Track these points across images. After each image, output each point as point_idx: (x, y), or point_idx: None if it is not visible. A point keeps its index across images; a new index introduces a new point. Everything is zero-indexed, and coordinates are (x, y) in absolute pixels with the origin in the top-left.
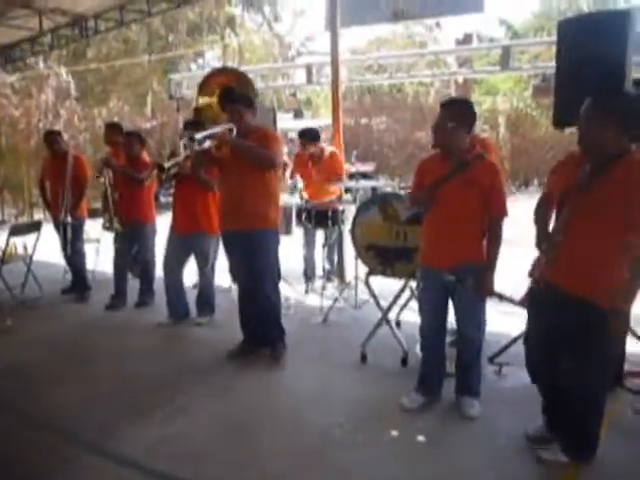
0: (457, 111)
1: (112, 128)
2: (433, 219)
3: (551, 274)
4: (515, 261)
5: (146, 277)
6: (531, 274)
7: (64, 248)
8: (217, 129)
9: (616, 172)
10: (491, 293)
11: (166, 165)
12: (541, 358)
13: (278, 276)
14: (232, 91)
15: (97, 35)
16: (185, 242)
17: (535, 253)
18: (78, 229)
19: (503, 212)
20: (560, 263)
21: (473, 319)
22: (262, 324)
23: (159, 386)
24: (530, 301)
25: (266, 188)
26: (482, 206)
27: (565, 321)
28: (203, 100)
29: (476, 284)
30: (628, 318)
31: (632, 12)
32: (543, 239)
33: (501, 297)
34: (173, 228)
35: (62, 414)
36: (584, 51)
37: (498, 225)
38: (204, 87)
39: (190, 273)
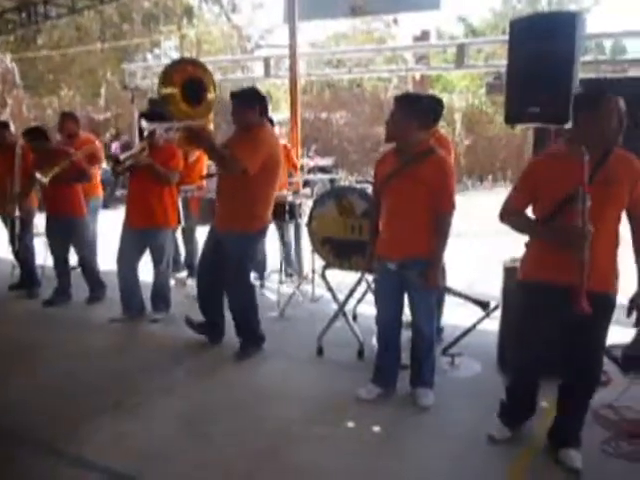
0: (410, 106)
1: (68, 117)
2: (384, 213)
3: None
4: (467, 254)
5: (88, 273)
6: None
7: (12, 243)
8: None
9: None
10: (436, 285)
11: (121, 157)
12: (545, 349)
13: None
14: (198, 82)
15: (47, 21)
16: (140, 236)
17: (491, 246)
18: (27, 223)
19: (451, 207)
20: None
21: (424, 311)
22: (221, 314)
23: (112, 384)
24: (531, 299)
25: (238, 192)
26: (430, 201)
27: (578, 316)
28: (166, 90)
29: (421, 277)
30: None
31: (580, 14)
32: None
33: (449, 290)
34: (126, 222)
35: (9, 414)
36: (534, 50)
37: (445, 220)
38: (167, 77)
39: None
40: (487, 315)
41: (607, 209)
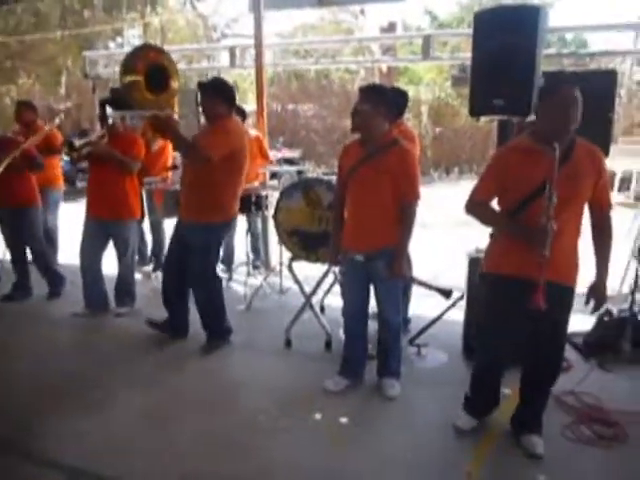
0: (375, 96)
1: (25, 106)
2: (350, 204)
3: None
4: (432, 245)
5: (41, 267)
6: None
7: None
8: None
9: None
10: (402, 275)
11: (77, 143)
12: (508, 339)
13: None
14: (161, 69)
15: (3, 6)
16: (102, 228)
17: (456, 237)
18: None
19: (414, 197)
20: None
21: (390, 302)
22: (185, 309)
23: (74, 380)
24: (494, 291)
25: (203, 183)
26: (395, 191)
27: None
28: (129, 78)
29: (387, 267)
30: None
31: (543, 8)
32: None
33: (414, 280)
34: (88, 213)
35: None
36: (498, 43)
37: (410, 209)
38: (130, 64)
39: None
40: (453, 305)
41: (572, 203)
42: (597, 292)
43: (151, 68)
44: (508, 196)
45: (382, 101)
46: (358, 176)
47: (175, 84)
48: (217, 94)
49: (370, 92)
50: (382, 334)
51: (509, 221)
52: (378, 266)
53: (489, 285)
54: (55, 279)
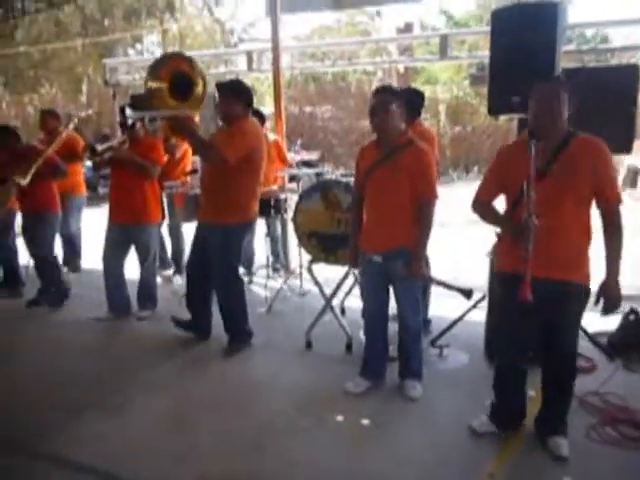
0: (390, 97)
1: (48, 115)
2: (368, 205)
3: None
4: (453, 244)
5: (44, 275)
6: (504, 265)
7: None
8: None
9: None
10: (421, 275)
11: (99, 148)
12: (520, 338)
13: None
14: (186, 77)
15: (26, 16)
16: (124, 233)
17: (477, 236)
18: (8, 223)
19: (432, 195)
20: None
21: (409, 303)
22: (208, 311)
23: (96, 383)
24: (504, 290)
25: (221, 184)
26: (412, 190)
27: (548, 302)
28: (153, 84)
29: (406, 266)
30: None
31: (561, 4)
32: (509, 225)
33: (434, 280)
34: (110, 218)
35: None
36: (516, 40)
37: (427, 208)
38: (155, 71)
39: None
40: (474, 306)
41: (565, 199)
42: (607, 291)
43: (176, 76)
44: (509, 193)
45: (397, 102)
46: (375, 177)
47: (200, 89)
48: (234, 95)
49: (385, 93)
50: (402, 335)
51: (502, 218)
52: (397, 266)
53: (498, 284)
54: (59, 288)
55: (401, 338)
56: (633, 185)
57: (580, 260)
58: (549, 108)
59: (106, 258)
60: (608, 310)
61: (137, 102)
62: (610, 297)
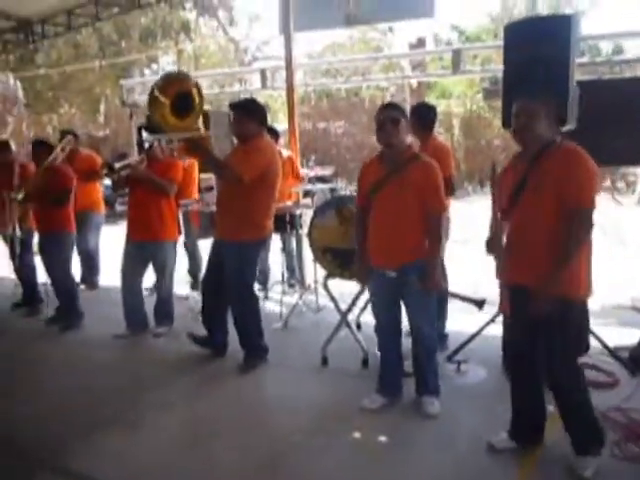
0: (396, 113)
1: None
2: (376, 221)
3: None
4: (471, 260)
5: (60, 295)
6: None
7: (13, 260)
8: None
9: (546, 162)
10: (436, 287)
11: (117, 166)
12: (523, 361)
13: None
14: (187, 96)
15: (45, 40)
16: (141, 250)
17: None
18: (27, 241)
19: (441, 208)
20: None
21: (424, 317)
22: (224, 328)
23: (114, 400)
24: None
25: (236, 202)
26: (421, 204)
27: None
28: (158, 98)
29: (421, 280)
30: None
31: (574, 17)
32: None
33: (451, 293)
34: (128, 236)
35: (11, 430)
36: (529, 54)
37: (437, 221)
38: (160, 87)
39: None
40: (492, 320)
41: (540, 215)
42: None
43: (179, 95)
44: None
45: (403, 118)
46: (383, 193)
47: (197, 102)
48: (247, 114)
49: (392, 108)
50: (417, 351)
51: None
52: (411, 280)
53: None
54: (72, 310)
55: (416, 354)
56: None
57: (567, 274)
58: (517, 122)
59: (124, 275)
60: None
61: (152, 122)
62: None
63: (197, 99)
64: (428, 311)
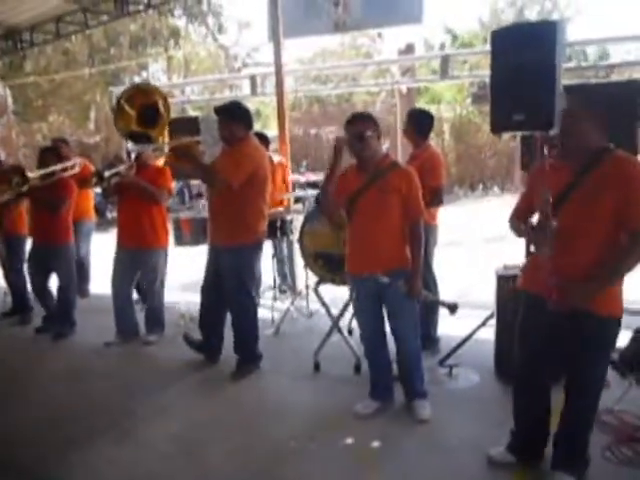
0: (371, 122)
1: (59, 143)
2: (356, 228)
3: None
4: (461, 262)
5: (62, 305)
6: (526, 286)
7: (3, 267)
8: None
9: (601, 170)
10: (419, 295)
11: (106, 174)
12: (538, 374)
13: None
14: (154, 109)
15: (34, 47)
16: (132, 257)
17: (485, 253)
18: (17, 248)
19: (420, 214)
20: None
21: (407, 323)
22: (220, 334)
23: (105, 408)
24: (525, 310)
25: (228, 207)
26: (402, 210)
27: (563, 333)
28: (126, 107)
29: (405, 287)
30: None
31: (560, 22)
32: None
33: (431, 300)
34: (118, 242)
35: (2, 441)
36: (516, 59)
37: (417, 227)
38: (131, 98)
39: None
40: (483, 324)
41: (590, 220)
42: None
43: (146, 106)
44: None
45: (371, 128)
46: (364, 200)
47: (162, 111)
48: (232, 118)
49: (359, 121)
50: (402, 358)
51: (523, 227)
52: (394, 286)
53: (522, 302)
54: (66, 320)
55: (401, 360)
56: None
57: (606, 292)
58: (564, 127)
59: (114, 282)
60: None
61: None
62: None
63: (163, 111)
64: (411, 319)
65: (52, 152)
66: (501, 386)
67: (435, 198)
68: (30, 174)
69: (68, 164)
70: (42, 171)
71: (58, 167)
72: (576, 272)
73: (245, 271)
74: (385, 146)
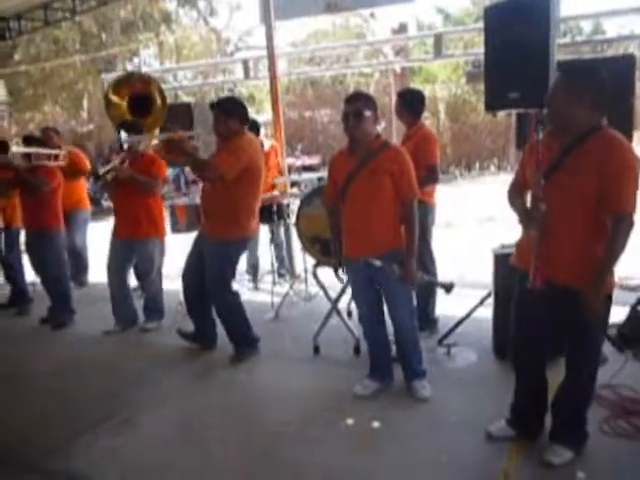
0: (363, 104)
1: (48, 132)
2: (350, 212)
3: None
4: (458, 242)
5: (56, 294)
6: (519, 264)
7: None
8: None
9: (584, 149)
10: (412, 278)
11: (100, 172)
12: (534, 349)
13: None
14: (144, 98)
15: (22, 36)
16: (127, 247)
17: (482, 233)
18: (13, 239)
19: (413, 194)
20: (543, 256)
21: (403, 304)
22: (211, 321)
23: (105, 397)
24: (521, 293)
25: (219, 200)
26: (395, 192)
27: (556, 310)
28: (114, 99)
29: (400, 268)
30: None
31: None
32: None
33: (427, 281)
34: (115, 233)
35: (3, 433)
36: (510, 36)
37: (412, 208)
38: (118, 88)
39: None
40: (481, 303)
41: (571, 199)
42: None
43: (136, 96)
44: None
45: (370, 107)
46: (356, 183)
47: (159, 104)
48: (227, 113)
49: (358, 100)
50: (399, 339)
51: (520, 210)
52: (389, 269)
53: (516, 279)
54: (65, 308)
55: (397, 341)
56: None
57: (592, 268)
58: (551, 100)
59: (110, 271)
60: None
61: (129, 125)
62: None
63: (158, 99)
64: (406, 300)
65: (36, 141)
66: (499, 364)
67: (431, 176)
68: (14, 149)
69: (53, 152)
70: (26, 149)
71: (43, 151)
72: (559, 254)
73: (228, 266)
74: (381, 126)
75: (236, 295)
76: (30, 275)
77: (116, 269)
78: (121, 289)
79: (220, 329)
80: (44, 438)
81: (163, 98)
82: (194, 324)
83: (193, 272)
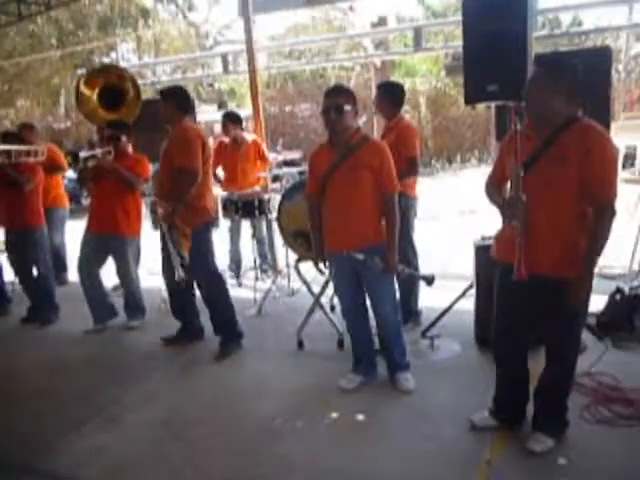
0: (344, 97)
1: (24, 128)
2: (331, 206)
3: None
4: (440, 235)
5: (41, 292)
6: (499, 256)
7: None
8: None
9: (564, 140)
10: (395, 270)
11: (82, 154)
12: (515, 338)
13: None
14: (114, 89)
15: None
16: (102, 243)
17: (463, 225)
18: None
19: (393, 188)
20: (526, 247)
21: (386, 297)
22: (195, 313)
23: (91, 396)
24: (501, 283)
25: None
26: (374, 187)
27: (538, 300)
28: (85, 91)
29: (382, 262)
30: (591, 284)
31: None
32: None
33: (408, 274)
34: (89, 227)
35: None
36: (488, 29)
37: (391, 202)
38: (89, 80)
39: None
40: (463, 295)
41: (553, 189)
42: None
43: (108, 88)
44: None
45: (349, 101)
46: (337, 177)
47: (131, 95)
48: (165, 98)
49: (337, 93)
50: (382, 333)
51: (500, 201)
52: (370, 263)
53: (497, 271)
54: (50, 305)
55: (381, 334)
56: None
57: (573, 256)
58: (528, 92)
59: (81, 267)
60: None
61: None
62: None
63: (131, 90)
64: (388, 293)
65: (14, 138)
66: (481, 355)
67: (412, 168)
68: None
69: (32, 148)
70: (6, 146)
71: (23, 148)
72: (540, 244)
73: (206, 250)
74: (362, 120)
75: (221, 278)
76: (9, 275)
77: (87, 265)
78: (94, 285)
79: (206, 326)
80: (29, 438)
81: (136, 89)
82: (179, 319)
83: (172, 267)
